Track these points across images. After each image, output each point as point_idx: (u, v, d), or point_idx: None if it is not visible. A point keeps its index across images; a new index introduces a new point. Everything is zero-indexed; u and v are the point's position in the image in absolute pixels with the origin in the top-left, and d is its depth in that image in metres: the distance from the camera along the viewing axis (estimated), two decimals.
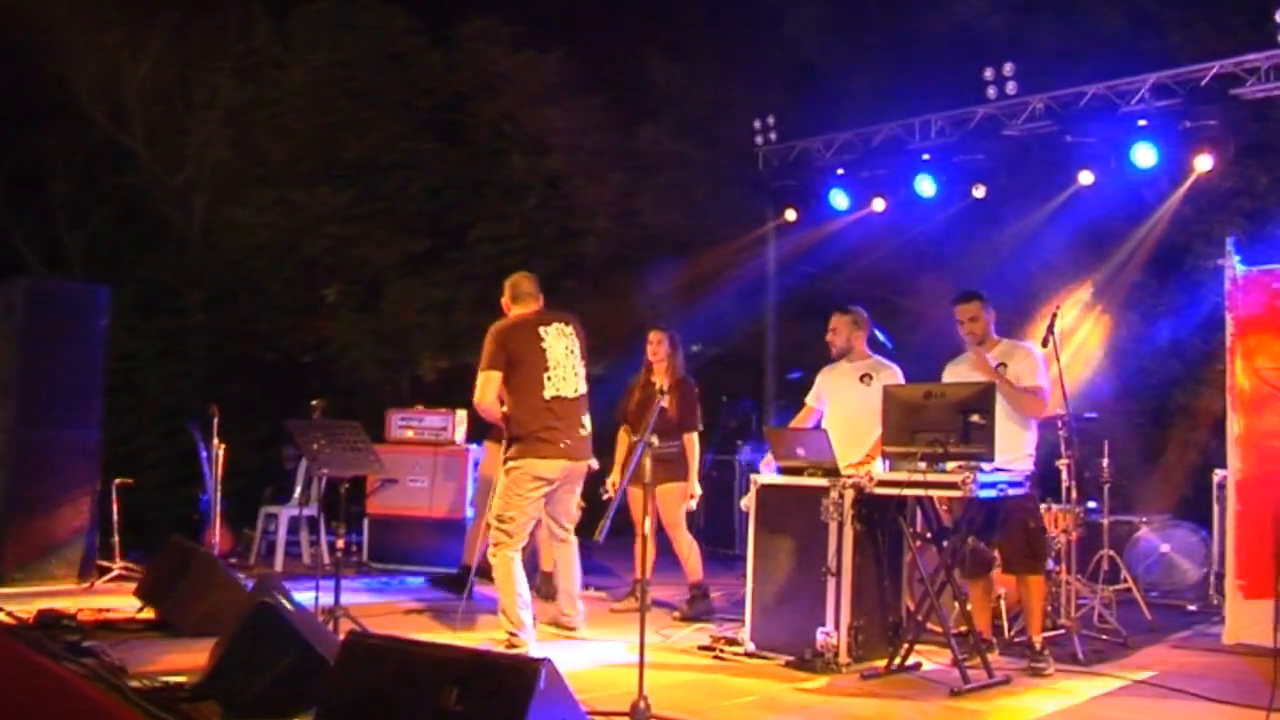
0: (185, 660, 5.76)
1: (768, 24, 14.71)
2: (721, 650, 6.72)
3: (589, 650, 6.82)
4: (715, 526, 12.27)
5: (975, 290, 7.03)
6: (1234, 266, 7.55)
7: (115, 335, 10.09)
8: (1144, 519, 9.31)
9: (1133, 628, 7.60)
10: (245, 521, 10.84)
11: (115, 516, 9.31)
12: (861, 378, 7.40)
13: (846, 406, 7.39)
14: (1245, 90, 9.34)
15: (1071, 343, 10.54)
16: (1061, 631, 6.98)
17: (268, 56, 14.72)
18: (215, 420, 9.16)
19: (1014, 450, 6.58)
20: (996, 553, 6.73)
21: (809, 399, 7.71)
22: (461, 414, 10.46)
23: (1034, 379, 6.71)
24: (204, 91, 14.77)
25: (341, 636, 4.87)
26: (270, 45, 14.73)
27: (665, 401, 5.75)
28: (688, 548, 8.30)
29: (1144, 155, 9.89)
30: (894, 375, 7.36)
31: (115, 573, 8.95)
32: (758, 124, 12.53)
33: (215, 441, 9.20)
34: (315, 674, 4.70)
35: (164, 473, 12.39)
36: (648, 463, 5.31)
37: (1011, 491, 6.18)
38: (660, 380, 8.17)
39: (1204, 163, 9.75)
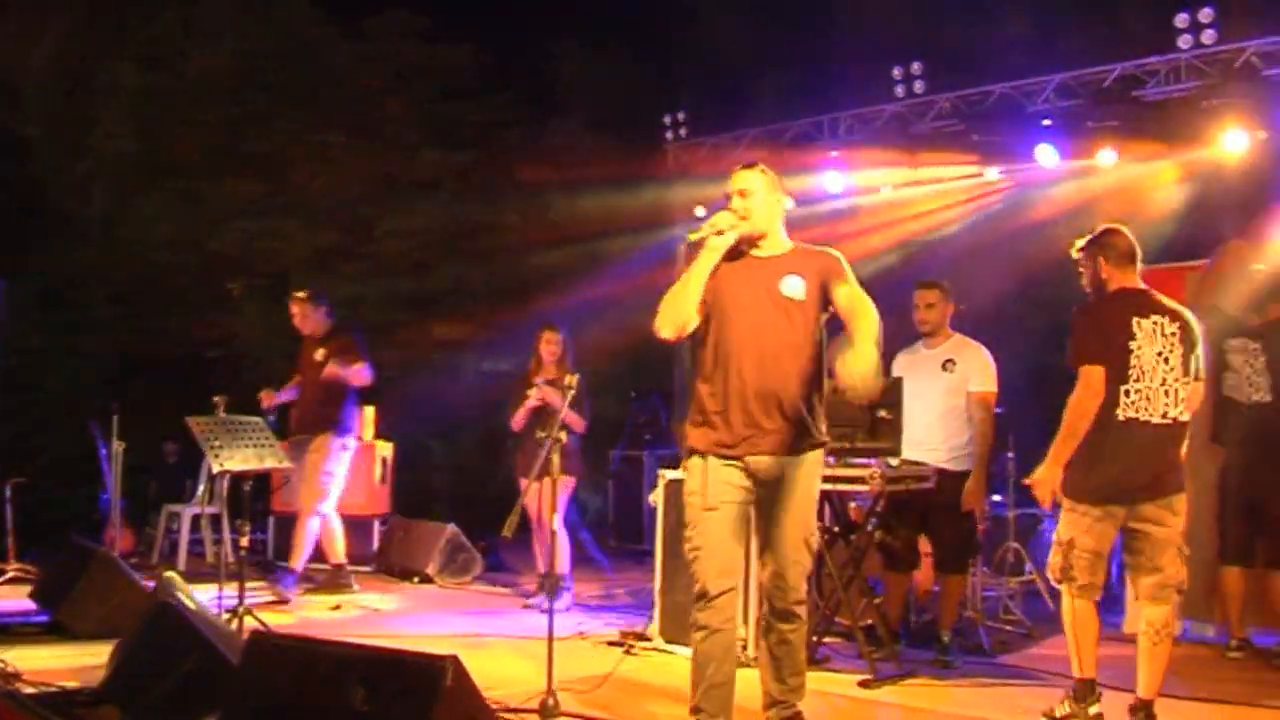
0: (83, 664, 5.64)
1: (679, 20, 14.75)
2: (631, 645, 6.72)
3: (496, 647, 6.79)
4: (624, 522, 12.30)
5: (938, 280, 7.02)
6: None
7: (13, 331, 9.86)
8: (1048, 512, 9.44)
9: (1037, 618, 7.73)
10: (148, 521, 10.65)
11: (9, 516, 9.10)
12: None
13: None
14: (1145, 92, 9.54)
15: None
16: (967, 623, 7.08)
17: (172, 45, 14.45)
18: (116, 418, 8.97)
19: (957, 445, 6.68)
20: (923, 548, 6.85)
21: None
22: (369, 411, 10.37)
23: (984, 382, 6.70)
24: (106, 80, 14.47)
25: (245, 637, 4.80)
26: (175, 33, 14.46)
27: (570, 398, 5.75)
28: (564, 541, 8.32)
29: (1048, 154, 10.06)
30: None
31: (9, 575, 8.71)
32: (668, 119, 12.55)
33: (115, 439, 9.01)
34: (218, 676, 4.62)
35: (64, 471, 12.13)
36: (555, 458, 5.34)
37: (916, 486, 6.27)
38: (572, 377, 8.14)
39: (1106, 160, 9.95)
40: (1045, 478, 5.13)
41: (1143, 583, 5.05)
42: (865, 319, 4.42)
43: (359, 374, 8.50)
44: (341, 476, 8.55)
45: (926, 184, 11.37)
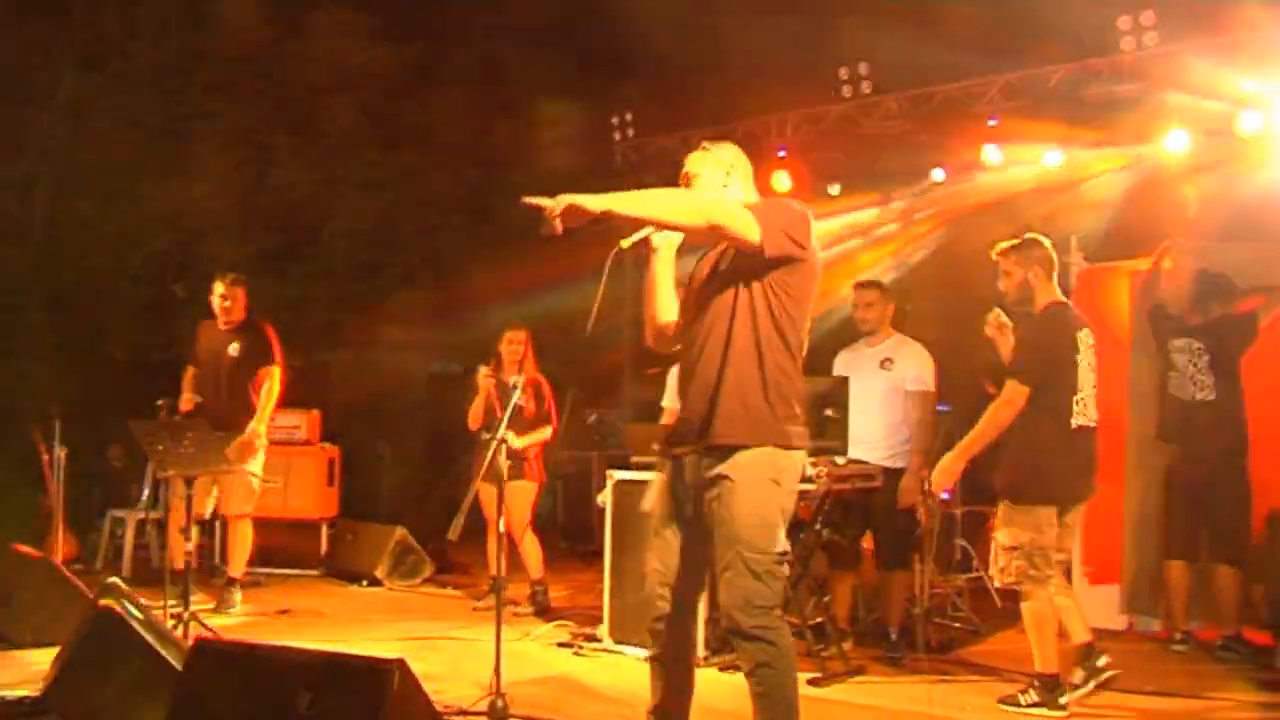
0: (24, 673, 5.55)
1: (625, 19, 14.73)
2: (581, 646, 6.71)
3: (445, 649, 6.76)
4: (574, 523, 12.26)
5: (877, 280, 7.22)
6: (1079, 263, 7.78)
7: None
8: (995, 509, 9.50)
9: (984, 615, 7.78)
10: (91, 526, 10.51)
11: None
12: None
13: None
14: (1089, 92, 9.63)
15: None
16: (915, 620, 7.11)
17: (115, 45, 14.26)
18: (58, 422, 8.84)
19: (896, 442, 6.73)
20: (866, 547, 6.90)
21: None
22: (315, 414, 10.29)
23: (921, 380, 6.77)
24: (45, 79, 14.26)
25: (191, 643, 4.74)
26: (117, 33, 14.27)
27: (522, 399, 5.71)
28: (531, 546, 8.26)
29: (993, 154, 10.14)
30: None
31: None
32: (615, 120, 12.53)
33: (58, 444, 8.87)
34: (162, 682, 4.56)
35: (3, 477, 11.94)
36: (503, 460, 5.31)
37: (862, 484, 6.32)
38: (518, 377, 8.10)
39: (1051, 160, 10.03)
40: (953, 470, 5.65)
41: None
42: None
43: (273, 391, 8.31)
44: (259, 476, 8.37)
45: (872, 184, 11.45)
